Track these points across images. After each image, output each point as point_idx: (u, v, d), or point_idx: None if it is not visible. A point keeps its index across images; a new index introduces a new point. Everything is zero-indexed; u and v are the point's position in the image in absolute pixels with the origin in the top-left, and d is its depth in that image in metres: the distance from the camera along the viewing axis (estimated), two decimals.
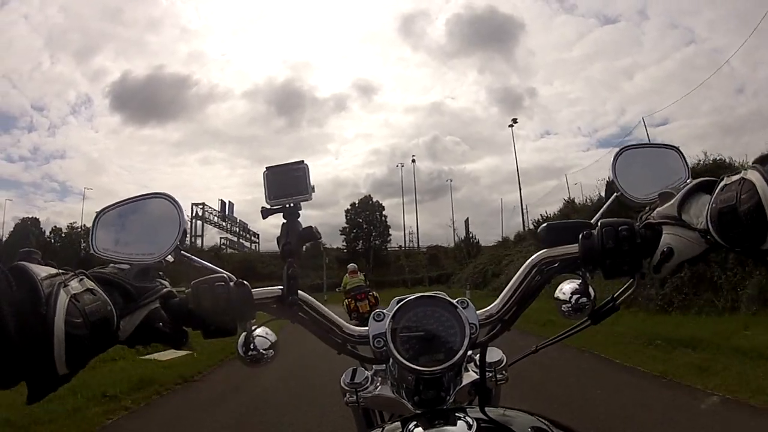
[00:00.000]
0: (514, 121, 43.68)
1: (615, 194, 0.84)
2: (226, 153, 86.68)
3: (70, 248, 50.27)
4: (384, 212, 55.28)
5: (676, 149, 0.87)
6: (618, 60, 72.78)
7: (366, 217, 54.95)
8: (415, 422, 0.66)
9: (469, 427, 0.62)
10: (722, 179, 0.65)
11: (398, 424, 0.68)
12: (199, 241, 51.37)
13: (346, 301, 11.68)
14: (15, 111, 78.83)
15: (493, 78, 79.54)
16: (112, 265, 0.71)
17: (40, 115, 77.24)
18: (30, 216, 55.99)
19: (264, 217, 0.80)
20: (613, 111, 66.96)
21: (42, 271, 0.56)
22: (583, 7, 76.38)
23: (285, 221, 0.81)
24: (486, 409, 0.71)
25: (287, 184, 0.81)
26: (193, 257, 0.79)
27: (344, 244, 54.36)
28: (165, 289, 0.71)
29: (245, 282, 0.73)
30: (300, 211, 0.82)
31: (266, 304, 0.78)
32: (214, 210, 54.15)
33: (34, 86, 78.72)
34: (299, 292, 0.77)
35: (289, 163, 0.83)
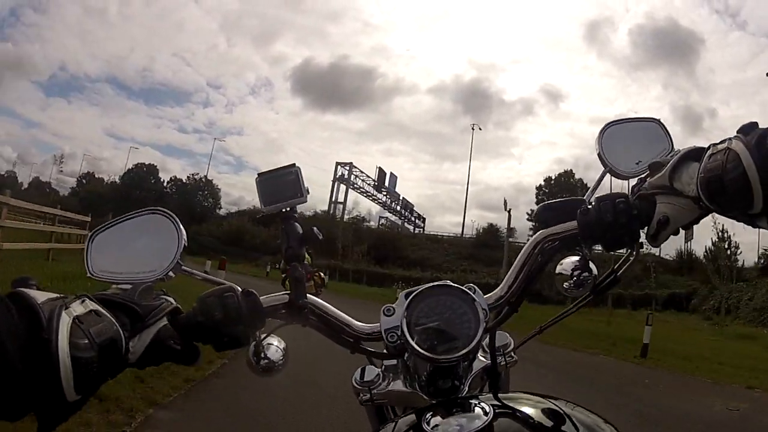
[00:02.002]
0: None
1: (604, 170, 0.85)
2: (409, 146, 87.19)
3: (186, 198, 49.69)
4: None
5: (657, 121, 0.89)
6: None
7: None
8: (431, 412, 0.67)
9: (486, 413, 0.63)
10: (709, 147, 0.67)
11: (414, 416, 0.68)
12: (339, 210, 45.36)
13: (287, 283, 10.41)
14: (189, 87, 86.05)
15: (676, 95, 76.74)
16: (114, 286, 0.70)
17: (217, 93, 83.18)
18: (145, 163, 56.39)
19: (261, 224, 0.84)
20: None
21: (41, 296, 0.54)
22: (753, 25, 73.29)
23: (283, 226, 0.81)
24: (500, 395, 0.71)
25: (281, 188, 0.82)
26: (194, 271, 0.78)
27: (531, 232, 37.56)
28: (172, 306, 0.69)
29: (253, 291, 0.73)
30: (296, 215, 0.82)
31: (275, 311, 0.77)
32: (368, 177, 47.87)
33: (209, 66, 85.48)
34: (307, 295, 0.77)
35: (280, 168, 0.83)
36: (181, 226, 0.76)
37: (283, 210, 0.82)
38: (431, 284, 0.76)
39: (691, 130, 68.11)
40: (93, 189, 51.34)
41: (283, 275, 11.35)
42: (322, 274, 11.07)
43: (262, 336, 0.79)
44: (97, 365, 0.55)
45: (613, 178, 0.86)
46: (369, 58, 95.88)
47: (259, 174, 0.83)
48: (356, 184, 47.46)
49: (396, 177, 50.88)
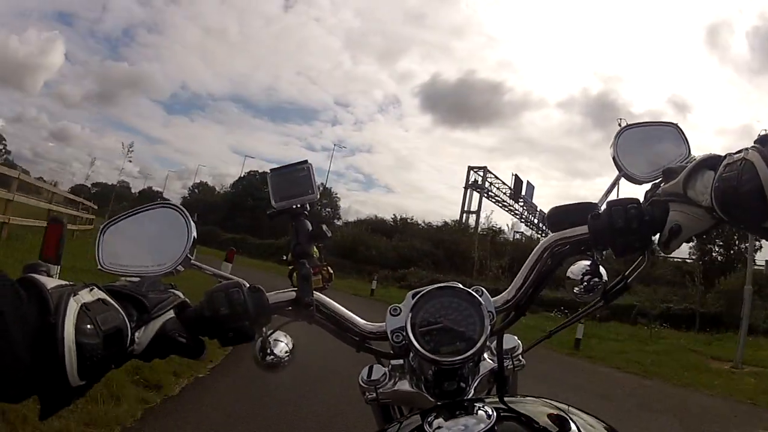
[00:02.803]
0: None
1: (618, 174, 0.85)
2: (538, 162, 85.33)
3: None
4: None
5: (675, 126, 0.87)
6: None
7: None
8: (434, 414, 0.66)
9: (489, 416, 0.62)
10: (725, 157, 0.66)
11: (418, 417, 0.68)
12: (472, 221, 39.83)
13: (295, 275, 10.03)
14: (316, 105, 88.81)
15: None
16: (122, 278, 0.71)
17: (345, 111, 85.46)
18: (258, 171, 55.08)
19: (271, 220, 0.83)
20: None
21: (51, 282, 0.55)
22: None
23: (293, 223, 0.82)
24: (505, 398, 0.71)
25: (292, 185, 0.83)
26: (203, 266, 0.78)
27: (694, 252, 23.43)
28: (179, 299, 0.69)
29: (260, 287, 0.73)
30: (307, 211, 0.83)
31: (282, 308, 0.78)
32: (503, 184, 42.46)
33: (335, 84, 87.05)
34: (314, 292, 0.78)
35: (292, 164, 0.84)
36: (192, 221, 0.76)
37: (294, 206, 0.83)
38: (438, 285, 0.75)
39: None
40: (201, 198, 52.44)
41: (290, 268, 10.78)
42: (329, 268, 11.21)
43: (269, 332, 0.79)
44: (101, 352, 0.55)
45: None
46: (496, 72, 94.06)
47: (271, 170, 0.84)
48: (491, 191, 43.20)
49: (533, 186, 45.27)
